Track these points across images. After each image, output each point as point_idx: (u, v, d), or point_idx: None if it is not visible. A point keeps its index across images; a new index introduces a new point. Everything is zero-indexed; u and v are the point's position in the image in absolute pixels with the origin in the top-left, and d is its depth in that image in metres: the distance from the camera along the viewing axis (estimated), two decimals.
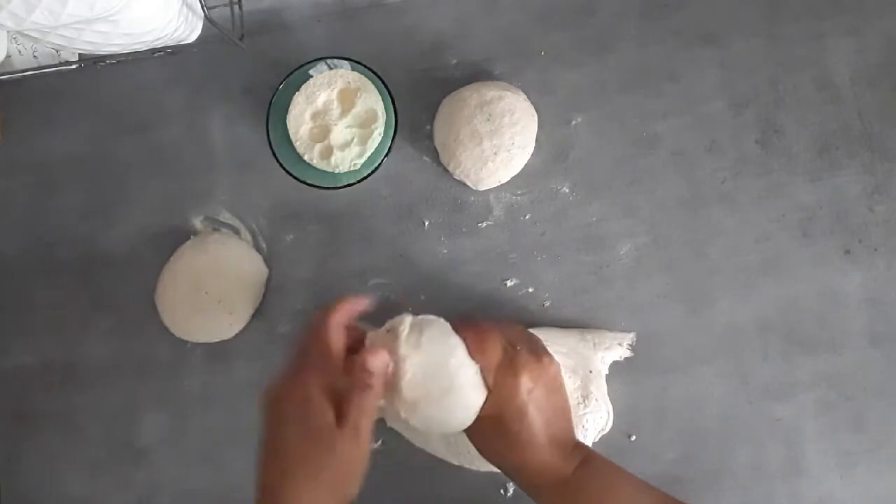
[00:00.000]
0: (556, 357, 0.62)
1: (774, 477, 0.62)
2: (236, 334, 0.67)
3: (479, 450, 0.55)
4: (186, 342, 0.67)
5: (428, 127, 0.68)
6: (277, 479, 0.49)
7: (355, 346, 0.52)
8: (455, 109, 0.65)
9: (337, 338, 0.50)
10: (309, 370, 0.50)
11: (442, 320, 0.54)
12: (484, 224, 0.67)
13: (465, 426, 0.53)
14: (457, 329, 0.54)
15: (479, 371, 0.52)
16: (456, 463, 0.63)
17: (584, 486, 0.52)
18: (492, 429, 0.53)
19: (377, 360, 0.49)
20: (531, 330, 0.63)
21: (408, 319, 0.53)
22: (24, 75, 0.61)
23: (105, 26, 0.50)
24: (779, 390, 0.63)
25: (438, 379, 0.51)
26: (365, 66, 0.64)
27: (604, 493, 0.52)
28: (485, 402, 0.52)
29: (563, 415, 0.54)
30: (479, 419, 0.53)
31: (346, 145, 0.66)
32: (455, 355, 0.52)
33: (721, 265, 0.64)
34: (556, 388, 0.54)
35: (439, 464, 0.63)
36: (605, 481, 0.52)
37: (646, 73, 0.66)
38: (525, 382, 0.52)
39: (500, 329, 0.55)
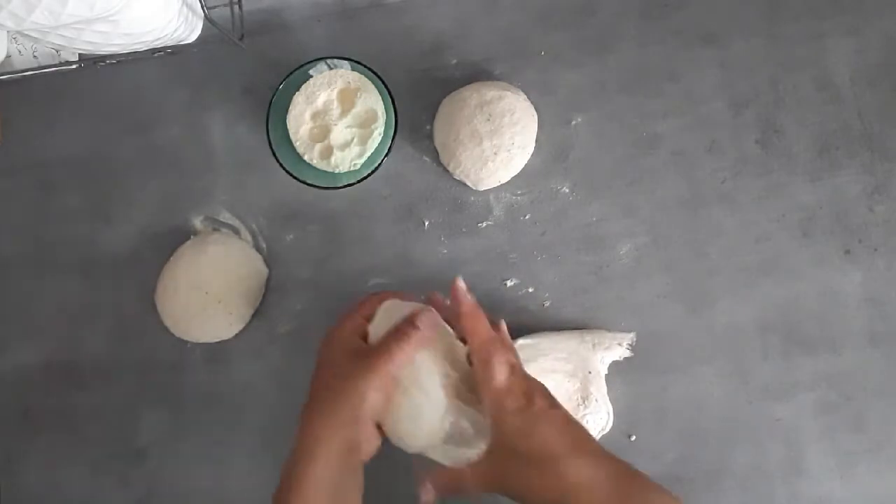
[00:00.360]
0: (555, 362, 0.62)
1: (774, 477, 0.62)
2: (236, 334, 0.67)
3: (514, 496, 0.49)
4: (186, 342, 0.67)
5: (428, 127, 0.68)
6: (304, 409, 0.52)
7: None
8: (455, 109, 0.65)
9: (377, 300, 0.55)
10: (348, 317, 0.55)
11: (426, 310, 0.52)
12: (484, 224, 0.67)
13: (434, 433, 0.50)
14: (451, 320, 0.54)
15: (447, 376, 0.51)
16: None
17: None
18: (507, 458, 0.48)
19: (426, 317, 0.51)
20: (535, 339, 0.63)
21: (382, 308, 0.54)
22: (24, 75, 0.60)
23: (105, 26, 0.50)
24: (779, 390, 0.63)
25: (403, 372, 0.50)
26: (365, 66, 0.64)
27: None
28: (488, 433, 0.49)
29: (576, 426, 0.50)
30: (491, 456, 0.48)
31: (346, 145, 0.66)
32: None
33: (721, 265, 0.64)
34: (555, 403, 0.51)
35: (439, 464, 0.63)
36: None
37: (646, 73, 0.66)
38: (520, 400, 0.49)
39: (506, 345, 0.53)
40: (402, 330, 0.51)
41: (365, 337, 0.53)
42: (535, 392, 0.50)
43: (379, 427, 0.51)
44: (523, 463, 0.47)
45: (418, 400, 0.50)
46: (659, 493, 0.48)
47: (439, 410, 0.50)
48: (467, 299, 0.53)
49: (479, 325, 0.52)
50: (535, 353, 0.62)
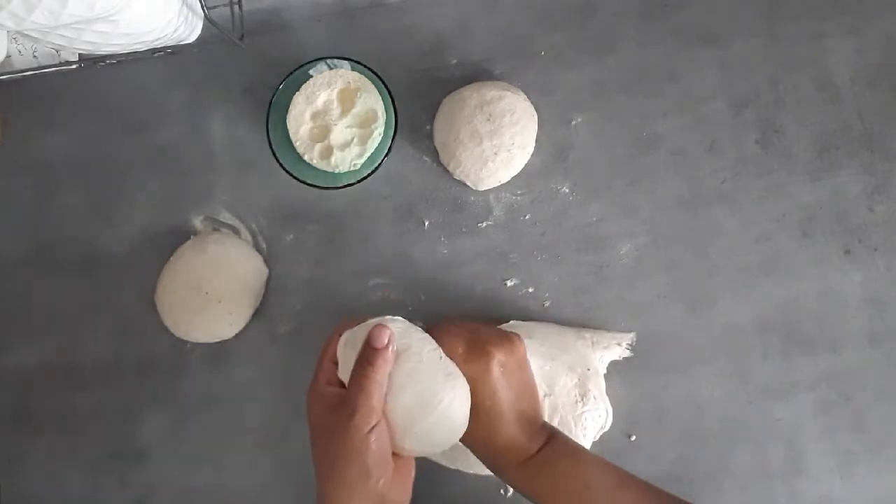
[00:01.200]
0: (552, 350, 0.62)
1: (774, 477, 0.62)
2: (236, 334, 0.67)
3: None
4: (186, 342, 0.67)
5: (428, 127, 0.68)
6: (316, 481, 0.50)
7: None
8: (455, 109, 0.65)
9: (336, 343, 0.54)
10: (318, 369, 0.53)
11: (377, 325, 0.51)
12: (484, 224, 0.67)
13: (460, 428, 0.52)
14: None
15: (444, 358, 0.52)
16: (452, 467, 0.63)
17: (549, 463, 0.52)
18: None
19: (378, 334, 0.50)
20: (530, 323, 0.64)
21: (339, 346, 0.52)
22: (24, 75, 0.60)
23: (105, 26, 0.50)
24: (779, 390, 0.63)
25: (399, 381, 0.50)
26: (365, 66, 0.64)
27: (568, 469, 0.52)
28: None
29: (530, 392, 0.56)
30: None
31: (346, 145, 0.66)
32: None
33: (721, 265, 0.64)
34: (525, 366, 0.56)
35: (437, 465, 0.63)
36: (570, 459, 0.53)
37: (646, 73, 0.66)
38: (498, 358, 0.53)
39: (462, 322, 0.57)
40: (363, 359, 0.49)
41: (342, 383, 0.52)
42: (510, 353, 0.54)
43: (403, 459, 0.51)
44: (474, 414, 0.52)
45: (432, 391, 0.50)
46: (558, 449, 0.53)
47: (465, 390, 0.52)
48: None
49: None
50: (527, 332, 0.62)
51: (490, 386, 0.53)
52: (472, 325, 0.57)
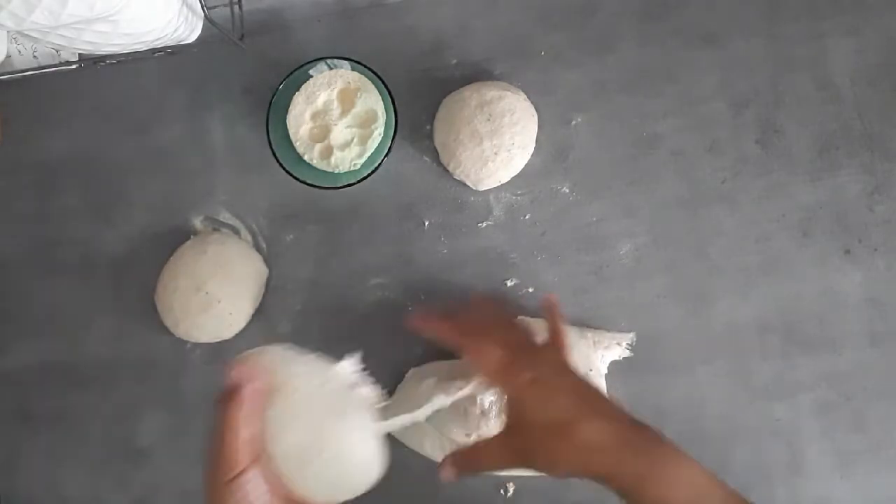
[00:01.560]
0: None
1: (774, 477, 0.62)
2: (236, 334, 0.67)
3: (533, 467, 0.49)
4: (186, 342, 0.67)
5: (428, 127, 0.68)
6: None
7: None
8: (455, 109, 0.65)
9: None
10: None
11: (274, 349, 0.45)
12: (484, 224, 0.67)
13: (368, 468, 0.44)
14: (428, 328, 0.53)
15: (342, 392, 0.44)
16: None
17: (660, 472, 0.46)
18: (523, 431, 0.48)
19: (231, 374, 0.43)
20: (533, 322, 0.64)
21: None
22: (24, 75, 0.60)
23: (105, 26, 0.50)
24: (779, 390, 0.63)
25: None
26: (365, 66, 0.64)
27: (682, 481, 0.47)
28: (502, 413, 0.49)
29: (590, 391, 0.50)
30: (509, 431, 0.49)
31: (346, 145, 0.66)
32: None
33: (721, 265, 0.64)
34: (565, 372, 0.51)
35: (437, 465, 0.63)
36: (681, 470, 0.48)
37: (646, 73, 0.66)
38: (525, 376, 0.49)
39: (494, 327, 0.54)
40: (219, 402, 0.43)
41: None
42: (540, 363, 0.51)
43: None
44: (539, 433, 0.48)
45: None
46: (665, 447, 0.48)
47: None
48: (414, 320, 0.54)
49: (445, 328, 0.53)
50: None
51: (533, 401, 0.48)
52: (508, 336, 0.53)
